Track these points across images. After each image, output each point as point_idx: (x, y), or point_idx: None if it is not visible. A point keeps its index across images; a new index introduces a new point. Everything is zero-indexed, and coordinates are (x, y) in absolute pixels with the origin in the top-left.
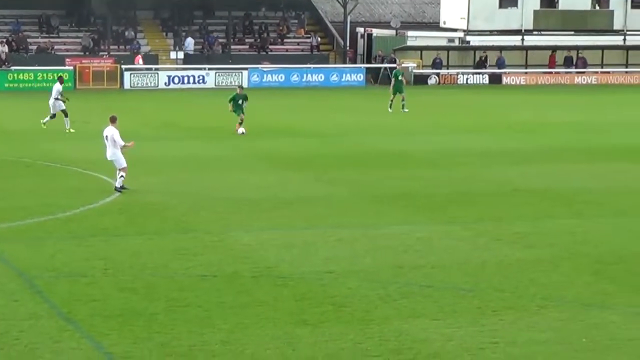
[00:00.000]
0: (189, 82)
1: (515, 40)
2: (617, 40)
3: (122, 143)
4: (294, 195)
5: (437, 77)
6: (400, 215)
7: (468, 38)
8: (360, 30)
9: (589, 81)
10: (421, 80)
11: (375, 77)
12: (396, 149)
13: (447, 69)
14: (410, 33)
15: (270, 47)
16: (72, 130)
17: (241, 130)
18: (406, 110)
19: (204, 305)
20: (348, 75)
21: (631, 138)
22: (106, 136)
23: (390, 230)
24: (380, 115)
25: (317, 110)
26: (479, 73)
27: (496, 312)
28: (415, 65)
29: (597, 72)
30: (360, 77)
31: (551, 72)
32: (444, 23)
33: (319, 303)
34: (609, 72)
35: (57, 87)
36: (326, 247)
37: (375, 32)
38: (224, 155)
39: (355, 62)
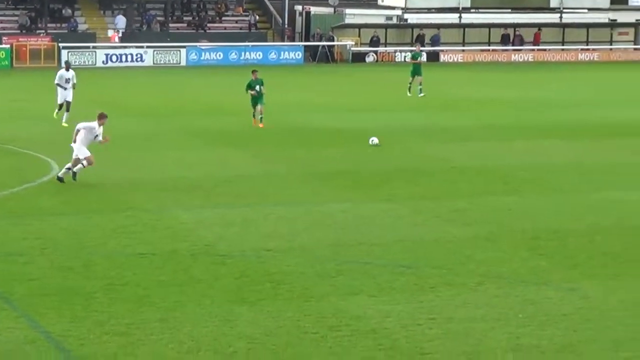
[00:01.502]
0: (126, 61)
1: (452, 18)
2: (553, 18)
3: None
4: (233, 173)
5: (375, 55)
6: (339, 192)
7: (406, 16)
8: (299, 8)
9: (526, 58)
10: (359, 58)
11: (313, 55)
12: (335, 126)
13: (385, 46)
14: (348, 11)
15: (209, 25)
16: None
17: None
18: (422, 94)
19: (142, 283)
20: (286, 53)
21: (566, 115)
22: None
23: (328, 207)
24: (318, 93)
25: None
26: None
27: (434, 289)
28: (353, 43)
29: (533, 50)
30: (299, 55)
31: (488, 50)
32: (382, 1)
33: (258, 281)
34: (545, 50)
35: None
36: (265, 224)
37: (314, 10)
38: (162, 133)
39: (293, 40)
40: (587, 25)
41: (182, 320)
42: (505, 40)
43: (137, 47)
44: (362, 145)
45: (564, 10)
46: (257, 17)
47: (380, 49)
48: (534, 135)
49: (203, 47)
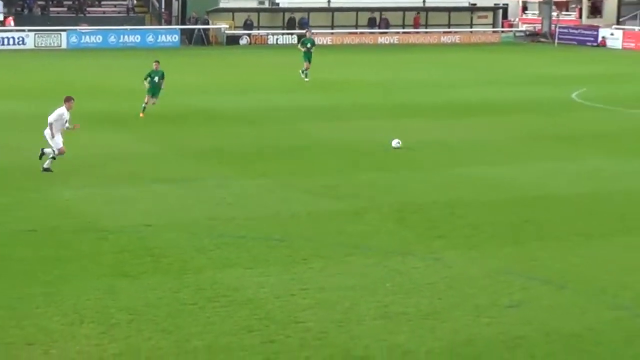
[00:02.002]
0: (8, 44)
1: (322, 2)
2: (417, 2)
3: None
4: (111, 152)
5: (248, 38)
6: (213, 170)
7: (277, 0)
8: None
9: (392, 41)
10: (233, 40)
11: (189, 38)
12: (209, 106)
13: (258, 29)
14: None
15: (88, 9)
16: None
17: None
18: (307, 79)
19: (26, 259)
20: (163, 36)
21: (430, 95)
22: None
23: (204, 184)
24: (195, 74)
25: (133, 70)
26: (288, 33)
27: (306, 260)
28: (227, 26)
29: (398, 33)
30: (175, 37)
31: (356, 33)
32: None
33: (138, 255)
34: (409, 33)
35: None
36: (144, 201)
37: None
38: (43, 115)
39: (170, 24)
40: (449, 9)
41: (66, 293)
42: (372, 23)
43: (18, 30)
44: (236, 124)
45: None
46: (135, 2)
47: (254, 32)
48: (401, 114)
49: (83, 31)
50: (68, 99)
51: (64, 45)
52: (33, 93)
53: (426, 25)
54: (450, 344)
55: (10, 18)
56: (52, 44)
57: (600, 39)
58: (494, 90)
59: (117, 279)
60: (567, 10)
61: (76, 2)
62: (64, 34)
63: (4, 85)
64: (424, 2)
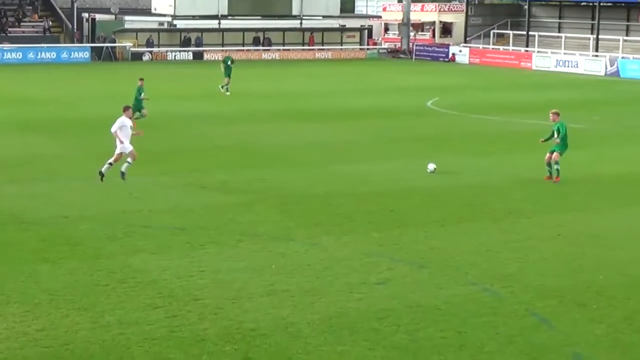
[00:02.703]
0: None
1: (213, 23)
2: (295, 23)
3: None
4: (33, 154)
5: (150, 54)
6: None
7: (175, 22)
8: (86, 15)
9: (274, 57)
10: (137, 56)
11: (99, 54)
12: (116, 113)
13: (159, 47)
14: (127, 17)
15: (9, 29)
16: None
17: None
18: (228, 93)
19: None
20: (76, 52)
21: (309, 102)
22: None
23: (114, 181)
24: (103, 86)
25: (50, 82)
26: (184, 51)
27: (203, 246)
28: (131, 44)
29: (279, 50)
30: (86, 54)
31: (243, 50)
32: (155, 9)
33: (57, 243)
34: (289, 49)
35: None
36: (62, 196)
37: (98, 17)
38: None
39: (81, 42)
40: (322, 30)
41: None
42: (256, 42)
43: None
44: (145, 129)
45: (304, 17)
46: (51, 23)
47: (155, 49)
48: (283, 119)
49: (5, 48)
50: (126, 109)
51: None
52: None
53: (303, 43)
54: (327, 316)
55: None
56: None
57: (450, 55)
58: (361, 98)
59: (39, 264)
60: (422, 31)
61: None
62: None
63: (13, 95)
64: (301, 23)
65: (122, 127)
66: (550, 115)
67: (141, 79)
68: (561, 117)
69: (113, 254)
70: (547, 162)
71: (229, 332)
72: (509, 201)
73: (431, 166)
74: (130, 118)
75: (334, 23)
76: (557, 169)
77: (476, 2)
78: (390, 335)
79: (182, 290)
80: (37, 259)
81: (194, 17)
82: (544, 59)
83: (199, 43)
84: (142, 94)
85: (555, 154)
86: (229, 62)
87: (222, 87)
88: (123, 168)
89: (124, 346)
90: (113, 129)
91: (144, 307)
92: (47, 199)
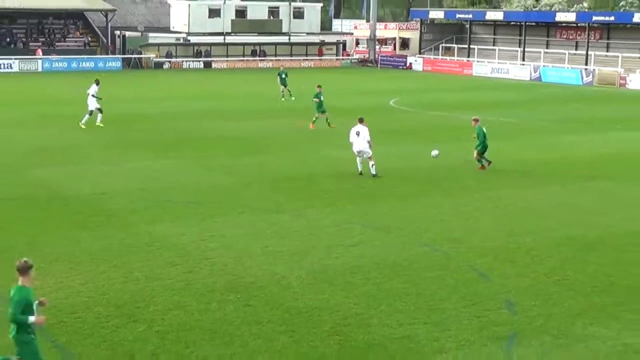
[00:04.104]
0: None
1: (220, 39)
2: (285, 39)
3: (369, 139)
4: (71, 143)
5: (169, 64)
6: (141, 155)
7: (189, 37)
8: (118, 32)
9: (268, 65)
10: (159, 65)
11: (128, 63)
12: (142, 111)
13: (176, 58)
14: (151, 34)
15: (57, 44)
16: (101, 125)
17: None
18: (293, 98)
19: (6, 219)
20: (110, 62)
21: (291, 102)
22: (357, 132)
23: (136, 164)
24: (133, 89)
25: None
26: (197, 61)
27: (212, 217)
28: (154, 55)
29: (272, 60)
30: (118, 63)
31: (243, 60)
32: (173, 27)
33: (95, 214)
34: (280, 59)
35: (94, 87)
36: (95, 177)
37: (128, 33)
38: (26, 117)
39: (115, 54)
40: (306, 44)
41: (43, 242)
42: (254, 53)
43: (5, 59)
44: (158, 122)
45: (292, 34)
46: (90, 38)
47: (173, 59)
48: (265, 117)
49: (53, 59)
50: (361, 120)
51: (40, 69)
52: (17, 102)
53: (291, 54)
54: (311, 271)
55: (38, 49)
56: (32, 68)
57: (408, 63)
58: (338, 99)
59: (80, 231)
60: (386, 45)
61: (48, 39)
62: (39, 60)
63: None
64: (289, 38)
65: (363, 133)
66: (472, 121)
67: (319, 86)
68: (480, 122)
69: (140, 223)
70: (475, 158)
71: (233, 284)
72: (460, 180)
73: (435, 152)
74: (366, 127)
75: (316, 38)
76: (480, 161)
77: (428, 22)
78: (361, 286)
79: (196, 251)
80: (78, 227)
81: (204, 34)
82: (482, 67)
83: (208, 54)
84: (319, 97)
85: (475, 151)
86: (283, 75)
87: (282, 97)
88: (374, 170)
89: (149, 295)
90: (368, 139)
91: (165, 264)
92: (81, 179)
